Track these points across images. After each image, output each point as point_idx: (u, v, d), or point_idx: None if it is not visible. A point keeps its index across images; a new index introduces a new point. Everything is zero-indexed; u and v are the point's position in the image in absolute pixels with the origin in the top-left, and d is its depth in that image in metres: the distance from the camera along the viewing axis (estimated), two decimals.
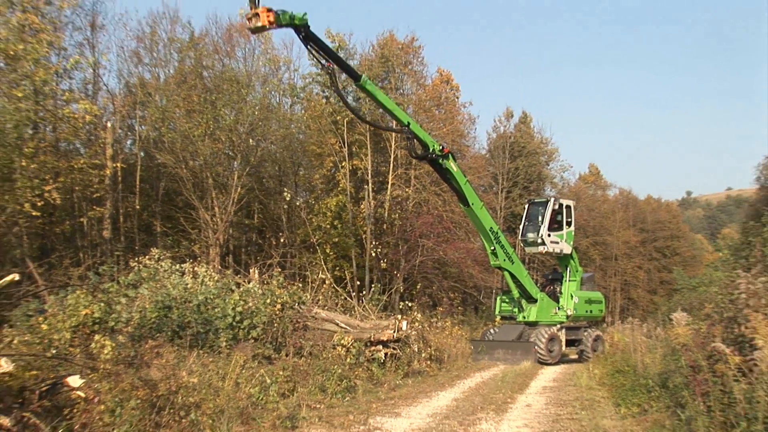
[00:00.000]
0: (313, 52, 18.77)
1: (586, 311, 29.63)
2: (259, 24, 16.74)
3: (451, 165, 23.42)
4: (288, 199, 33.39)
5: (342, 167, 36.32)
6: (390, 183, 38.30)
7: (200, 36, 34.64)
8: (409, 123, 21.97)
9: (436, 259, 39.86)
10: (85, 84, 31.76)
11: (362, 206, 36.55)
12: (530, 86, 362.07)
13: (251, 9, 16.63)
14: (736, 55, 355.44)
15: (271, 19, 16.76)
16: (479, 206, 25.24)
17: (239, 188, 31.70)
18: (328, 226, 35.84)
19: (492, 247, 25.96)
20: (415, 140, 22.51)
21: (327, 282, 25.07)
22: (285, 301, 17.74)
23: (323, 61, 19.07)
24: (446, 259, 39.98)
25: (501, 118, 58.78)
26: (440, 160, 23.12)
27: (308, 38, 17.99)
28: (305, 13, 17.49)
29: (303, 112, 38.66)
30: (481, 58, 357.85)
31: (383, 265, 36.81)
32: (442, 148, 23.06)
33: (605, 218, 69.01)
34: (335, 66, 19.52)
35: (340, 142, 36.58)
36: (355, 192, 37.27)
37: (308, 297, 20.54)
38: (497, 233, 26.08)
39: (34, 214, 24.31)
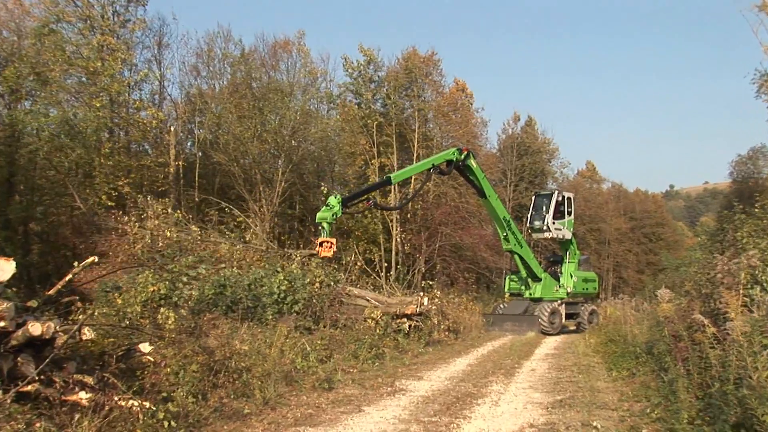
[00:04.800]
0: (352, 205, 19.58)
1: (583, 289, 29.55)
2: (329, 253, 17.21)
3: (472, 162, 23.41)
4: (325, 192, 33.34)
5: (371, 164, 36.33)
6: (413, 179, 38.14)
7: (249, 52, 34.74)
8: (433, 164, 22.10)
9: (453, 244, 39.82)
10: (152, 94, 32.26)
11: (389, 199, 36.50)
12: (536, 91, 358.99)
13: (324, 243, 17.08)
14: (713, 61, 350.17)
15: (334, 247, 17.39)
16: (494, 198, 25.23)
17: (283, 183, 31.82)
18: (360, 215, 35.82)
19: (504, 233, 25.90)
20: (441, 165, 22.59)
21: (358, 264, 25.12)
22: (323, 280, 17.78)
23: (364, 203, 20.09)
24: (462, 243, 39.94)
25: (509, 121, 58.40)
26: (467, 162, 23.10)
27: (345, 204, 18.39)
28: (340, 199, 17.93)
29: (338, 116, 38.66)
30: (492, 67, 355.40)
31: (407, 249, 36.83)
32: (460, 150, 22.98)
33: (600, 208, 68.48)
34: (370, 196, 20.37)
35: (369, 143, 36.57)
36: None
37: (342, 277, 20.56)
38: (509, 221, 26.02)
39: (112, 204, 24.63)
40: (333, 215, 17.38)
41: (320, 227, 17.61)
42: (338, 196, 17.81)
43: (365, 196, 19.97)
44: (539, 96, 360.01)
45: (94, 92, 25.39)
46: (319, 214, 17.52)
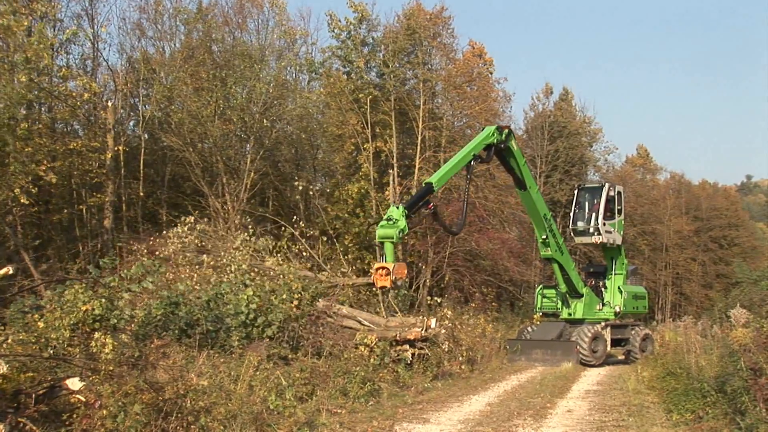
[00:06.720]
0: (413, 214, 18.96)
1: (633, 307, 29.50)
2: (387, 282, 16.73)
3: (513, 144, 23.46)
4: (300, 189, 33.18)
5: (364, 150, 36.25)
6: (417, 167, 38.13)
7: (209, 6, 34.76)
8: (474, 155, 22.05)
9: (467, 251, 39.80)
10: (83, 59, 31.97)
11: (387, 193, 36.40)
12: (572, 56, 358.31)
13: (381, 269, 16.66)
14: None
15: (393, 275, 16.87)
16: (535, 190, 25.25)
17: (252, 173, 31.76)
18: (348, 215, 35.82)
19: (544, 236, 25.84)
20: (481, 153, 22.53)
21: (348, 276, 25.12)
22: (301, 296, 17.73)
23: (425, 211, 19.45)
24: (479, 250, 39.89)
25: (539, 95, 58.61)
26: (508, 143, 23.11)
27: (408, 216, 17.94)
28: (404, 211, 17.44)
29: (322, 89, 38.59)
30: (516, 28, 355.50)
31: (410, 257, 36.80)
32: (499, 128, 22.92)
33: (655, 205, 68.50)
34: (431, 202, 19.86)
35: (362, 123, 36.47)
36: (378, 177, 37.16)
37: (328, 292, 20.54)
38: (550, 221, 25.99)
39: (27, 202, 24.42)
40: (400, 232, 16.92)
41: (381, 251, 17.14)
42: (401, 207, 17.40)
43: (425, 199, 19.48)
44: (577, 63, 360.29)
45: (3, 57, 25.16)
46: (380, 231, 17.08)
